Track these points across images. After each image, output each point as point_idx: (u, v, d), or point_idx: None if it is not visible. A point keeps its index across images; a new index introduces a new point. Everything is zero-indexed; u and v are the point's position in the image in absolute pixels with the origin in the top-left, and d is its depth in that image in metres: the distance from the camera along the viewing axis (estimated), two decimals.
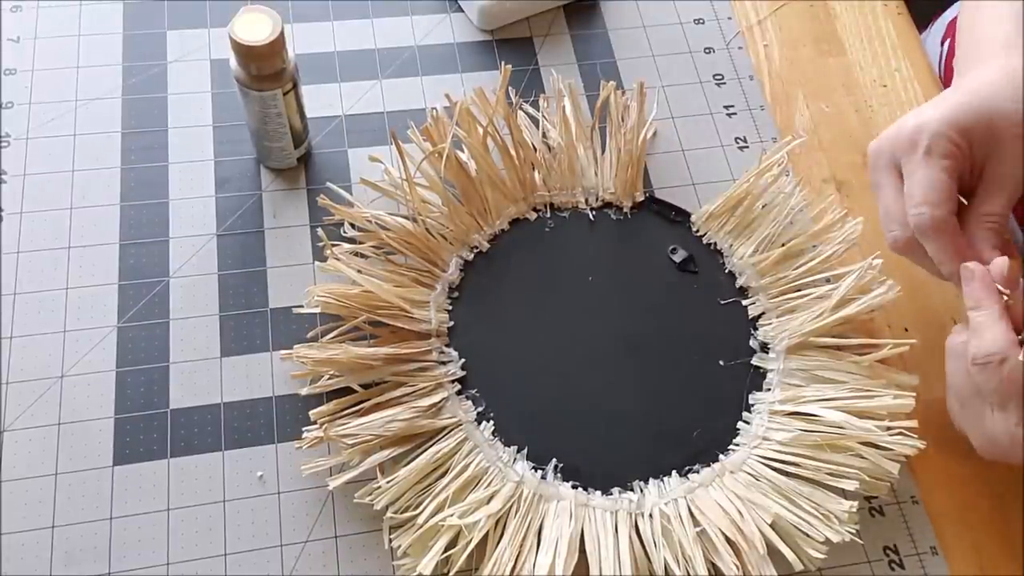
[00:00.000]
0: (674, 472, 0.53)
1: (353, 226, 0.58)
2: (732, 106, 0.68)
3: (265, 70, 0.54)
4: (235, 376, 0.54)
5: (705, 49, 0.70)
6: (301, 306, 0.55)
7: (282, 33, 0.53)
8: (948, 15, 0.78)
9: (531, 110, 0.65)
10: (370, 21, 0.69)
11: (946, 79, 0.74)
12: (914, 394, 0.54)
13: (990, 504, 0.54)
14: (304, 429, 0.52)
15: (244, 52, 0.53)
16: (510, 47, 0.68)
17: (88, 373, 0.54)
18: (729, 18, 0.72)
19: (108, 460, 0.52)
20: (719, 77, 0.69)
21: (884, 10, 0.72)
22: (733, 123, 0.67)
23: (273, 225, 0.60)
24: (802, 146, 0.65)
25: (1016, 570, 0.53)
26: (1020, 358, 0.46)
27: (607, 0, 0.71)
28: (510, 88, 0.64)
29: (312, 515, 0.51)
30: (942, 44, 0.76)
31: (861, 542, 0.52)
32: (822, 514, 0.50)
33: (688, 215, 0.62)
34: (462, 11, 0.70)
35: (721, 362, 0.57)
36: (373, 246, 0.57)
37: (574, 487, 0.52)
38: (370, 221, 0.57)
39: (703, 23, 0.71)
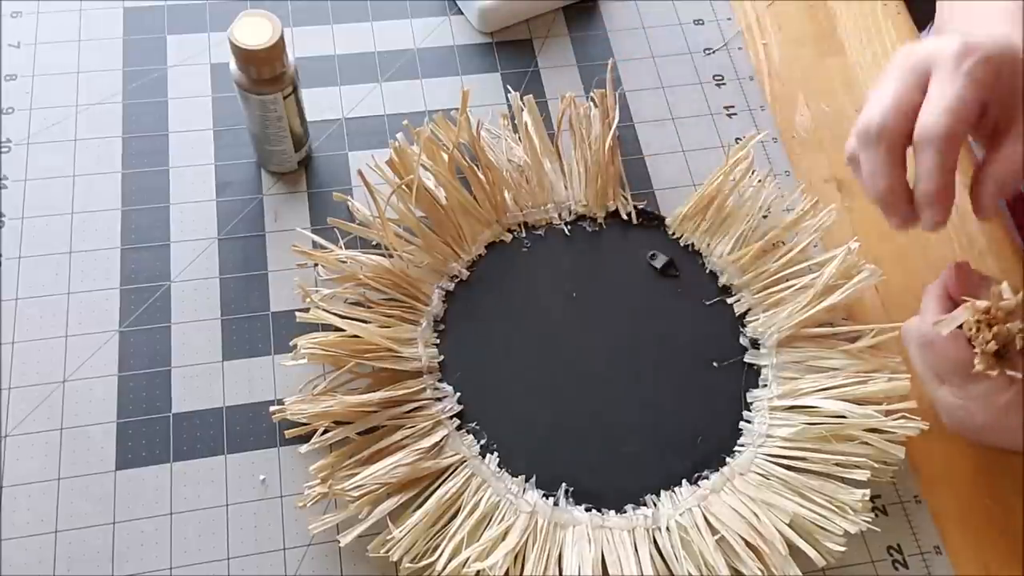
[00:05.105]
0: (684, 481, 0.53)
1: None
2: (732, 106, 0.67)
3: (265, 74, 0.54)
4: (237, 380, 0.54)
5: (705, 50, 0.70)
6: (302, 310, 0.55)
7: (282, 37, 0.53)
8: None
9: (493, 128, 0.63)
10: (370, 24, 0.69)
11: None
12: (909, 375, 0.53)
13: (994, 503, 0.54)
14: (306, 486, 0.51)
15: (244, 56, 0.53)
16: (510, 49, 0.68)
17: (90, 378, 0.54)
18: (729, 19, 0.72)
19: (111, 464, 0.52)
20: (719, 78, 0.69)
21: (884, 10, 0.72)
22: (733, 123, 0.67)
23: (274, 229, 0.60)
24: (805, 144, 0.64)
25: (1020, 570, 0.52)
26: (938, 331, 0.48)
27: (607, 1, 0.71)
28: (510, 89, 0.64)
29: (314, 518, 0.51)
30: None
31: (867, 538, 0.52)
32: (836, 506, 0.50)
33: (663, 219, 0.62)
34: (462, 13, 0.70)
35: (715, 363, 0.57)
36: (353, 287, 0.56)
37: (587, 510, 0.52)
38: (345, 262, 0.56)
39: (703, 24, 0.71)
